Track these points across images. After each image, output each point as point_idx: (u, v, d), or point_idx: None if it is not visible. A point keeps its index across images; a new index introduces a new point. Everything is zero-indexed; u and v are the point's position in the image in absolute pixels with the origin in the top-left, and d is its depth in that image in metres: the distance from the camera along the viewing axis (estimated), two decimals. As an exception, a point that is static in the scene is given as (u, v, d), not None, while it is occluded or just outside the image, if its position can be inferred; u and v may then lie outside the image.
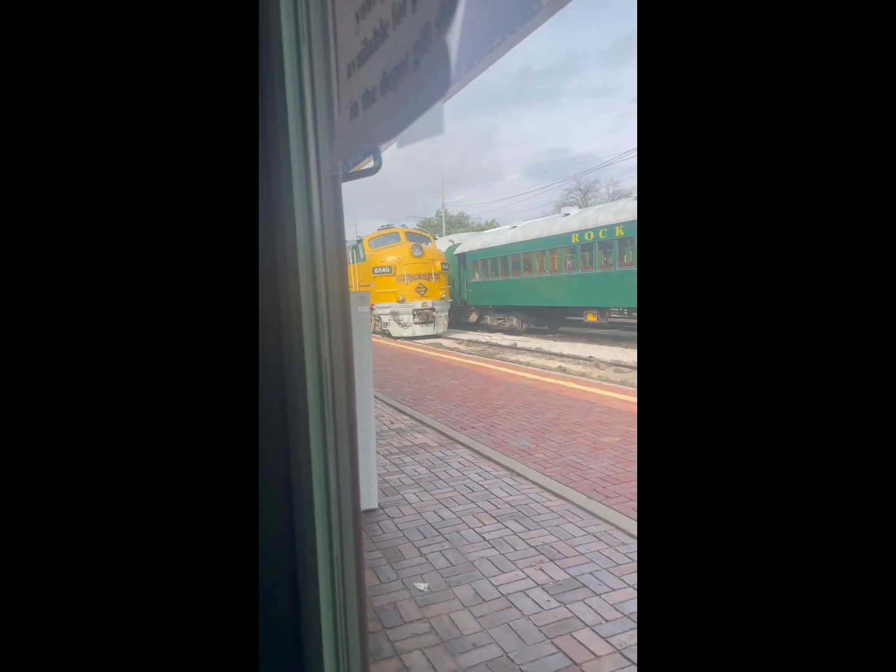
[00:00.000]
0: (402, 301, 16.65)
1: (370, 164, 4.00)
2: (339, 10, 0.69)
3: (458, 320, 20.29)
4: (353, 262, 18.68)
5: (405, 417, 5.32)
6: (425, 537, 2.72)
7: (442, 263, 17.80)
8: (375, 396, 5.67)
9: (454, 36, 0.45)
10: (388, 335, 16.64)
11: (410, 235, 18.71)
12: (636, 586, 2.18)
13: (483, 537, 2.68)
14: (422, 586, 2.27)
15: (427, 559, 2.50)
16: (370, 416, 3.10)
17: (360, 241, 18.68)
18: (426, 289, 17.09)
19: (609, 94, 74.64)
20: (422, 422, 5.07)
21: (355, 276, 18.64)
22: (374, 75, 0.60)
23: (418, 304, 16.82)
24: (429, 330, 16.95)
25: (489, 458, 3.88)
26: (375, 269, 17.15)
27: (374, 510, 3.06)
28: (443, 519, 2.92)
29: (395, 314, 16.74)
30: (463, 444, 4.26)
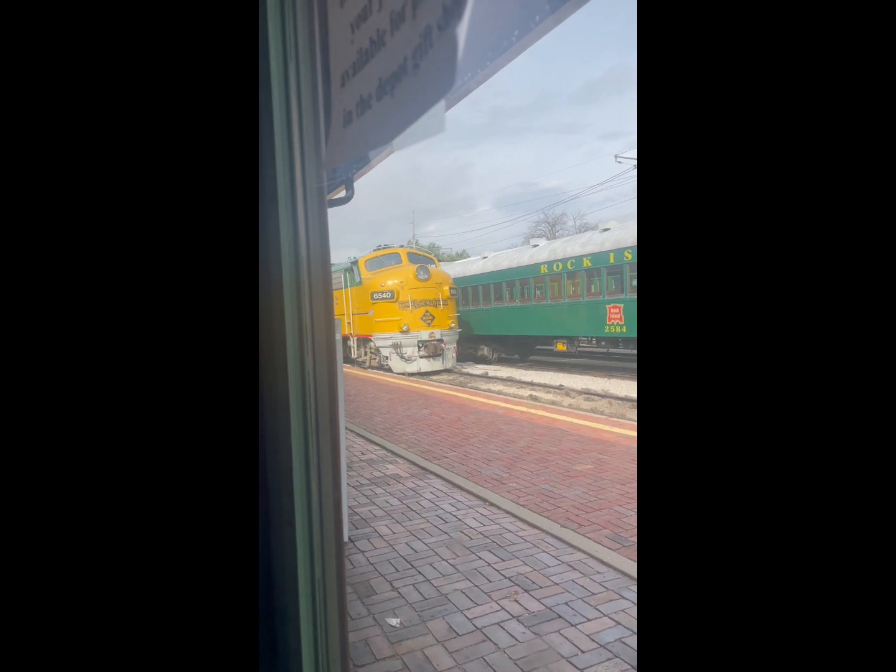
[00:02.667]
0: (406, 331, 14.19)
1: (342, 193, 4.02)
2: (333, 21, 0.70)
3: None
4: (347, 287, 16.38)
5: (376, 448, 5.23)
6: (397, 570, 2.64)
7: (450, 288, 15.42)
8: (346, 427, 5.58)
9: (456, 38, 0.46)
10: (387, 370, 14.09)
11: (413, 257, 16.48)
12: (611, 615, 2.16)
13: (457, 569, 2.62)
14: (394, 621, 2.19)
15: (399, 593, 2.42)
16: (340, 446, 3.04)
17: (354, 262, 16.21)
18: (433, 317, 14.62)
19: (578, 130, 77.53)
20: (393, 452, 4.99)
21: (349, 302, 16.27)
22: (369, 83, 0.61)
23: (425, 335, 14.30)
24: (436, 365, 14.49)
25: (462, 488, 3.83)
26: (375, 295, 14.69)
27: (343, 544, 2.97)
28: (415, 551, 2.85)
29: (397, 346, 14.22)
30: (435, 475, 4.20)
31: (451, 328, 15.00)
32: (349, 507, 3.49)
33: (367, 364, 15.52)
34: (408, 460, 4.67)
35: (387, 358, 14.46)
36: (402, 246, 17.88)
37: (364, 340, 15.70)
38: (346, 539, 3.00)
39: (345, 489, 3.10)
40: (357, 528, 3.20)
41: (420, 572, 2.61)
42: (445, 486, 3.91)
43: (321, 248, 0.79)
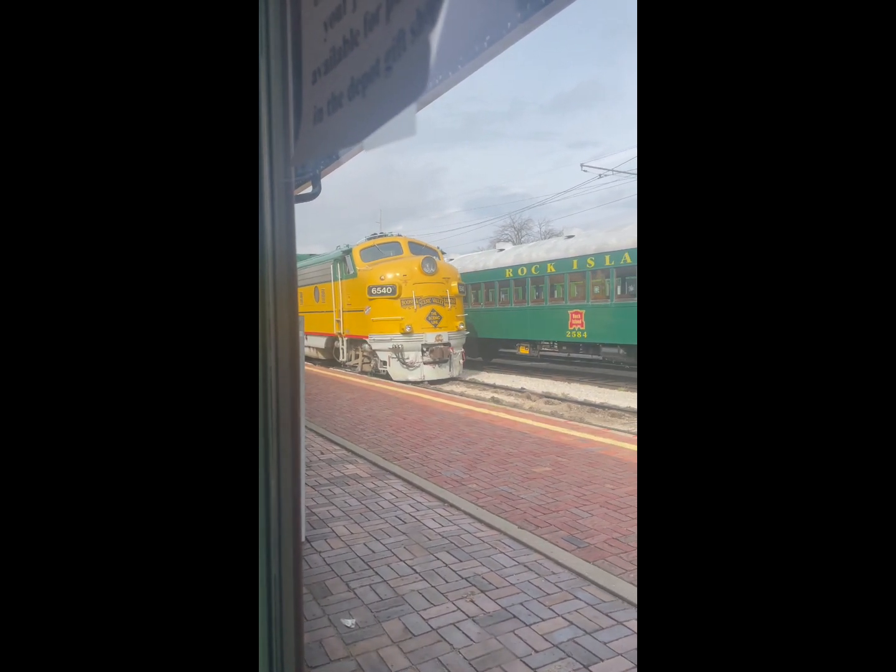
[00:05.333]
0: (410, 332, 12.11)
1: (308, 189, 3.97)
2: (307, 18, 0.70)
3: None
4: (338, 279, 14.10)
5: (336, 447, 5.18)
6: (354, 571, 2.63)
7: (459, 284, 13.34)
8: (306, 426, 5.50)
9: (429, 43, 0.46)
10: (384, 377, 12.05)
11: (414, 247, 13.97)
12: (564, 615, 2.20)
13: (414, 570, 2.62)
14: (349, 622, 2.18)
15: (356, 594, 2.40)
16: (300, 445, 2.99)
17: (348, 251, 13.80)
18: (440, 317, 12.51)
19: (548, 138, 78.76)
20: (353, 452, 4.95)
21: (339, 298, 13.96)
22: (341, 81, 0.61)
23: (430, 338, 12.26)
24: (442, 373, 12.48)
25: (422, 489, 3.83)
26: (373, 290, 12.49)
27: (301, 544, 2.92)
28: (373, 552, 2.84)
29: (398, 350, 12.14)
30: (396, 475, 4.19)
31: (459, 330, 12.97)
32: (307, 507, 3.44)
33: (359, 369, 13.44)
34: (368, 460, 4.64)
35: (384, 363, 12.40)
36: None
37: (356, 342, 13.55)
38: (302, 539, 2.96)
39: (303, 489, 3.06)
40: (314, 529, 3.16)
41: (377, 573, 2.59)
42: (405, 487, 3.90)
43: (287, 244, 0.79)
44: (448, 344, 12.52)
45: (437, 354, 12.34)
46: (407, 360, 12.20)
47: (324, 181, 3.62)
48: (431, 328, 12.42)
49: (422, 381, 11.95)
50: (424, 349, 12.23)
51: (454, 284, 13.05)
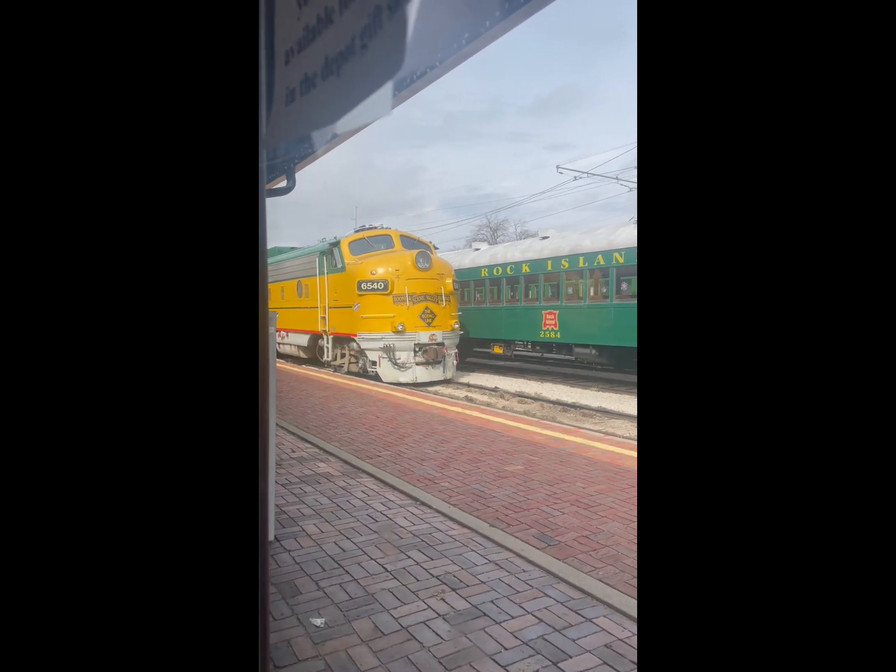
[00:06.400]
0: (402, 331, 11.35)
1: (283, 183, 3.90)
2: (280, -3, 0.68)
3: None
4: (324, 273, 13.29)
5: (308, 445, 5.11)
6: (324, 570, 2.59)
7: (454, 281, 12.63)
8: (276, 424, 5.42)
9: (406, 21, 0.45)
10: (373, 378, 11.32)
11: (406, 241, 13.22)
12: (534, 612, 2.21)
13: (385, 568, 2.60)
14: (318, 622, 2.15)
15: (325, 593, 2.37)
16: (270, 443, 2.94)
17: (336, 243, 12.94)
18: (434, 315, 11.79)
19: (526, 140, 79.41)
20: (325, 450, 4.90)
21: (324, 293, 13.17)
22: (314, 61, 0.59)
23: (424, 337, 11.54)
24: (436, 374, 11.83)
25: (394, 488, 3.81)
26: (363, 285, 11.68)
27: (269, 543, 2.87)
28: (343, 550, 2.81)
29: (389, 350, 11.40)
30: (368, 473, 4.16)
31: (453, 329, 12.20)
32: (277, 505, 3.39)
33: (345, 369, 12.69)
34: (340, 458, 4.60)
35: (374, 363, 11.63)
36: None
37: (343, 340, 12.79)
38: (271, 538, 2.91)
39: (272, 487, 3.01)
40: (284, 528, 3.11)
41: (347, 572, 2.57)
42: (377, 485, 3.87)
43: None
44: (442, 344, 11.77)
45: (431, 355, 11.59)
46: (398, 361, 11.45)
47: (299, 176, 3.58)
48: (425, 327, 11.64)
49: (413, 383, 11.25)
50: (417, 349, 11.48)
51: (449, 281, 12.27)
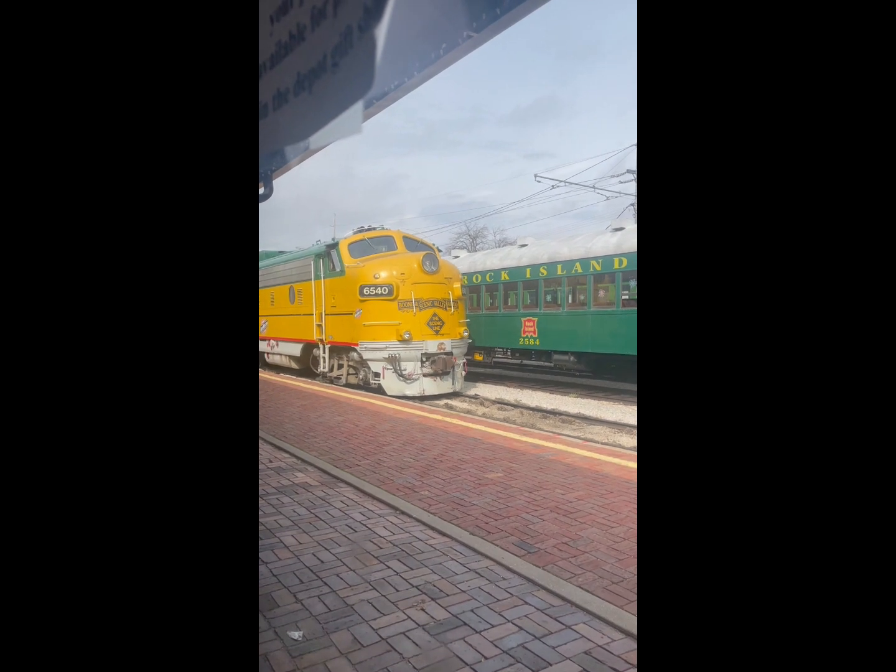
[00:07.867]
0: (408, 340, 10.27)
1: (259, 189, 3.87)
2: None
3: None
4: (321, 278, 12.14)
5: (285, 455, 5.05)
6: (302, 582, 2.56)
7: (462, 286, 11.68)
8: (254, 432, 5.33)
9: (376, 41, 0.46)
10: (376, 391, 10.32)
11: (410, 242, 12.19)
12: (514, 621, 2.21)
13: (364, 579, 2.58)
14: (296, 635, 2.12)
15: (303, 605, 2.34)
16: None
17: (333, 245, 11.80)
18: (442, 322, 10.71)
19: (506, 148, 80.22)
20: (303, 460, 4.84)
21: (321, 299, 12.03)
22: (287, 76, 0.59)
23: (432, 346, 10.44)
24: (444, 387, 10.75)
25: (373, 497, 3.78)
26: (365, 290, 10.57)
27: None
28: (322, 562, 2.78)
29: (394, 360, 10.32)
30: (347, 483, 4.12)
31: (462, 338, 11.15)
32: (253, 516, 3.34)
33: (344, 381, 11.59)
34: (318, 468, 4.55)
35: (377, 375, 10.53)
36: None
37: (342, 350, 11.67)
38: (248, 551, 2.86)
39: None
40: (261, 539, 3.06)
41: (326, 583, 2.54)
42: (356, 495, 3.84)
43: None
44: (451, 353, 10.70)
45: (440, 365, 10.47)
46: (404, 372, 10.36)
47: (277, 183, 3.55)
48: (433, 335, 10.53)
49: (420, 396, 10.31)
50: (424, 359, 10.41)
51: (457, 286, 11.20)
